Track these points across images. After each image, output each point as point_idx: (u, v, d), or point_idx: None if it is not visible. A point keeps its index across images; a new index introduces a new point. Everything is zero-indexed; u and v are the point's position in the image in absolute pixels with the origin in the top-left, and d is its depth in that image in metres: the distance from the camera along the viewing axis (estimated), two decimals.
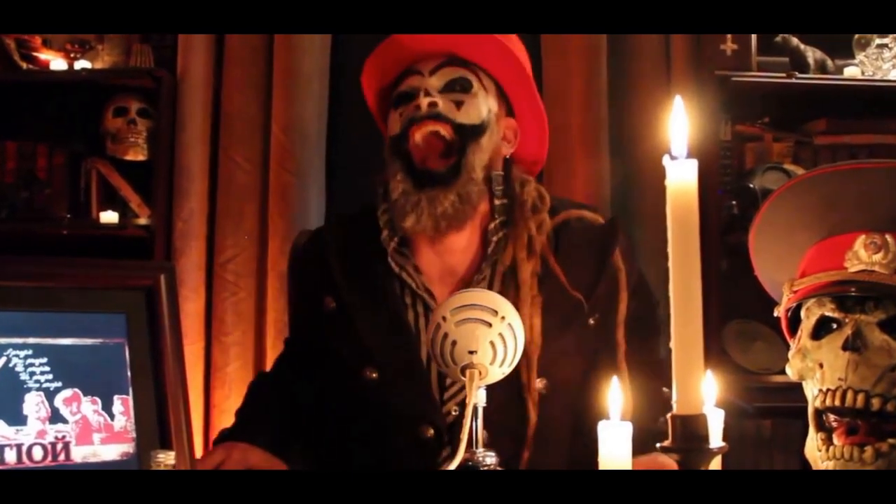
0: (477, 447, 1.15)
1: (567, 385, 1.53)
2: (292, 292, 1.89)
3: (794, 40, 2.50)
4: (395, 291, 1.56)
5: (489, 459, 1.14)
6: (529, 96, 1.61)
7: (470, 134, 1.51)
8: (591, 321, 1.53)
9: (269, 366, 2.42)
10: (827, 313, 1.15)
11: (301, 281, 1.78)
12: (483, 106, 1.54)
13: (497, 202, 1.56)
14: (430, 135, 1.51)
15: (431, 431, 1.47)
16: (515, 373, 1.32)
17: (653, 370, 1.52)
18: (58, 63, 2.59)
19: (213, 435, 2.36)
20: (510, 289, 1.50)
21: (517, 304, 1.40)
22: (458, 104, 1.53)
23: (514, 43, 1.59)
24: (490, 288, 1.52)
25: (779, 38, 2.49)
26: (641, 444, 1.07)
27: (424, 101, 1.51)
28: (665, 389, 1.40)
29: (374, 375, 1.52)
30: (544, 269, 1.52)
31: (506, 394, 1.36)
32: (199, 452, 1.88)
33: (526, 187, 1.58)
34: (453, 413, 1.49)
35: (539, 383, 1.48)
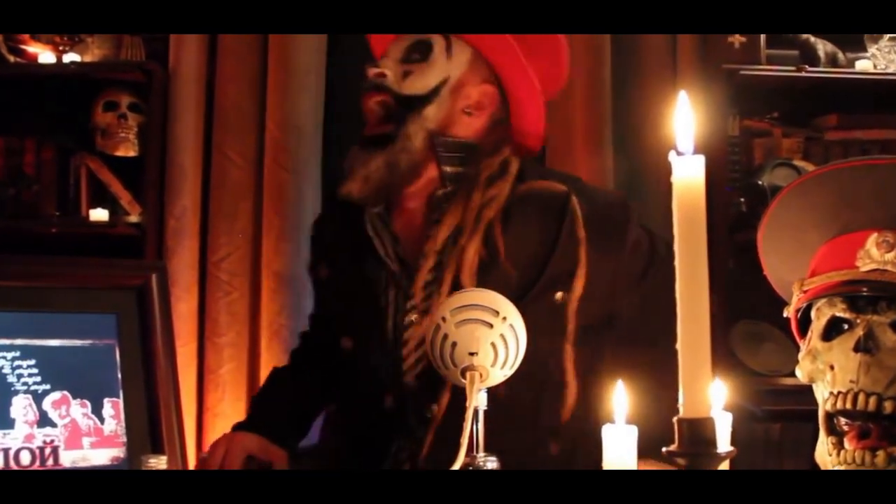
0: (478, 451, 1.14)
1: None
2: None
3: None
4: (373, 258, 1.58)
5: (490, 464, 1.12)
6: (515, 66, 1.59)
7: (411, 104, 1.54)
8: (558, 297, 1.49)
9: (263, 367, 2.44)
10: (838, 314, 1.14)
11: (310, 252, 1.80)
12: (435, 74, 1.56)
13: (449, 169, 1.55)
14: (373, 104, 1.56)
15: (391, 400, 1.51)
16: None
17: (653, 368, 1.45)
18: (46, 56, 2.57)
19: (206, 439, 2.36)
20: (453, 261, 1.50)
21: (461, 279, 1.45)
22: (407, 74, 1.56)
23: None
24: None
25: None
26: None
27: (372, 72, 1.56)
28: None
29: (349, 345, 1.57)
30: (490, 246, 1.49)
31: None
32: (191, 457, 1.87)
33: (491, 158, 1.56)
34: (410, 384, 1.51)
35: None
